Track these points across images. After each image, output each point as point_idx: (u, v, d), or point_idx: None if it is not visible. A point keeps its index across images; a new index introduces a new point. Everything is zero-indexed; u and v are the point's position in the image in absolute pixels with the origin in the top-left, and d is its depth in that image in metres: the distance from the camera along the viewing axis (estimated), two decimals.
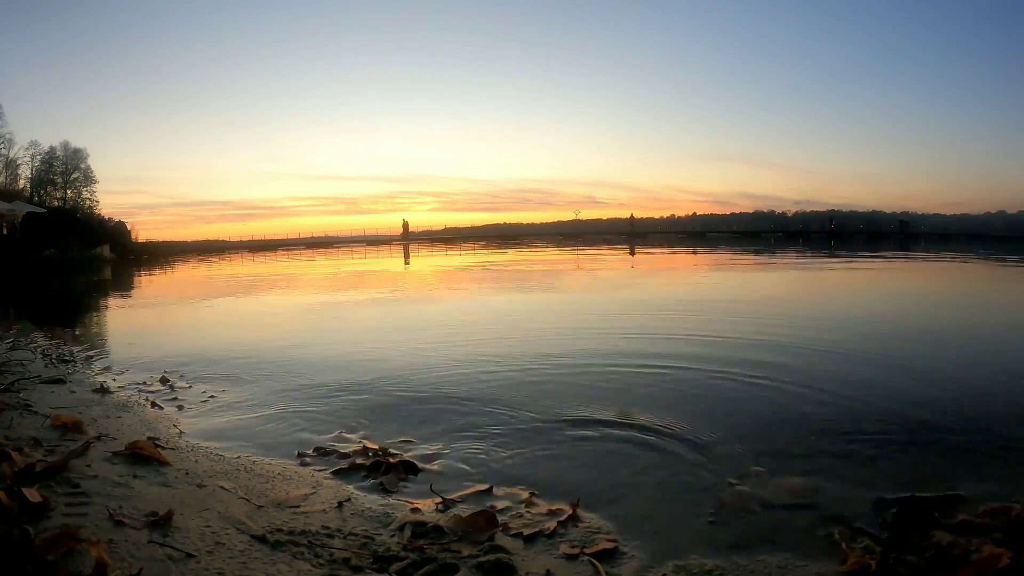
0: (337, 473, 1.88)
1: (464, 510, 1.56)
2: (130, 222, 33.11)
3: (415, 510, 1.59)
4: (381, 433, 2.25)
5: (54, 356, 3.89)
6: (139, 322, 6.45)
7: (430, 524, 1.48)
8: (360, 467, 1.91)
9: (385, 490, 1.75)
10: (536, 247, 30.61)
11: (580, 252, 22.45)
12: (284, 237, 46.82)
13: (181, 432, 2.29)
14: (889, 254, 18.31)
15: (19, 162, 34.33)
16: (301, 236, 49.40)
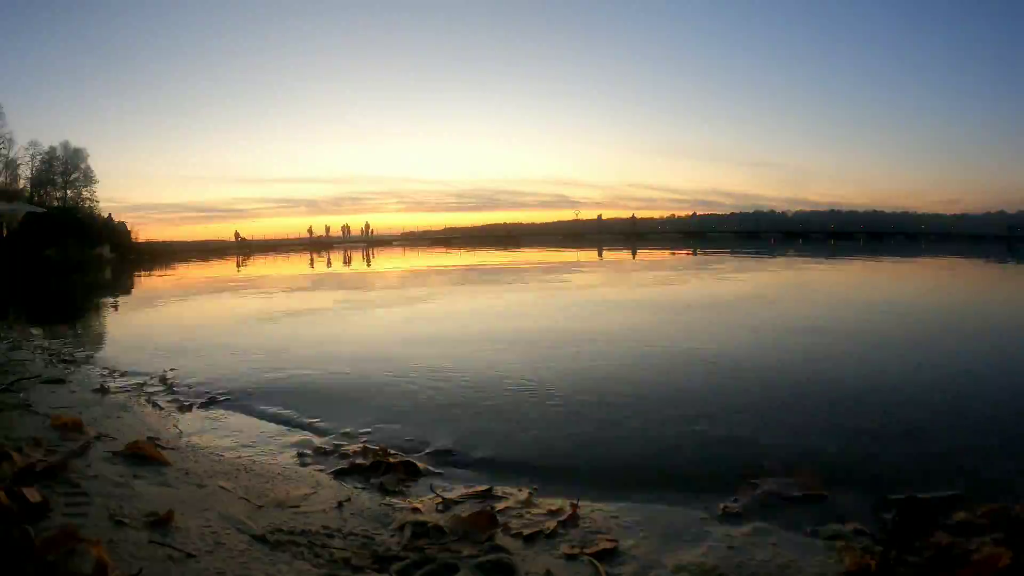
0: (337, 473, 1.88)
1: (464, 510, 1.56)
2: (129, 223, 33.15)
3: (415, 510, 1.59)
4: (381, 433, 2.25)
5: (54, 356, 3.89)
6: (139, 322, 6.45)
7: (430, 524, 1.47)
8: (360, 467, 1.91)
9: (385, 490, 1.75)
10: (550, 248, 30.55)
11: (611, 254, 22.42)
12: (285, 237, 46.75)
13: (181, 432, 2.29)
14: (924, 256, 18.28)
15: (19, 162, 34.30)
16: (301, 236, 49.33)
